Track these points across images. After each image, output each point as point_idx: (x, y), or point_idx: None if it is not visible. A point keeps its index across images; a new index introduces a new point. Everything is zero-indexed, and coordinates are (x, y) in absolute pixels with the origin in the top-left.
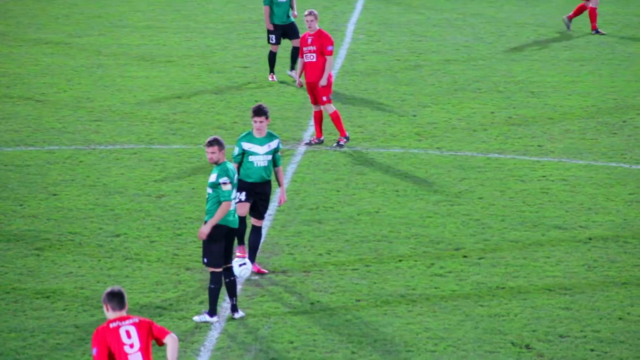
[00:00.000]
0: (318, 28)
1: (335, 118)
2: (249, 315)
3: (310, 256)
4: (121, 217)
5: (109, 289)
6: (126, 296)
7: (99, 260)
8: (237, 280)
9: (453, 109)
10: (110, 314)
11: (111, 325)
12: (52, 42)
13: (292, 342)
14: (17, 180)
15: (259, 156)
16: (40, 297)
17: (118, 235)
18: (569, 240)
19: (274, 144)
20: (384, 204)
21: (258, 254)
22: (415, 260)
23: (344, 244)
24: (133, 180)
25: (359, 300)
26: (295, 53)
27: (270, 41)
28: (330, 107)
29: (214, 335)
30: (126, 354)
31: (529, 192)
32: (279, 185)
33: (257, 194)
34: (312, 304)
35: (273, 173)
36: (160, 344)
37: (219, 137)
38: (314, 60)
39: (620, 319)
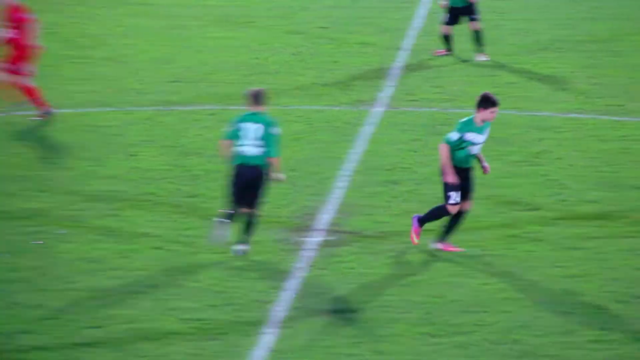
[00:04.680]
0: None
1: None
2: (325, 275)
3: (386, 217)
4: (199, 178)
5: None
6: None
7: (176, 221)
8: (213, 240)
9: (533, 69)
10: None
11: None
12: (133, 3)
13: (367, 302)
14: (97, 140)
15: (477, 145)
16: (118, 256)
17: (195, 196)
18: None
19: (487, 131)
20: None
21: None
22: (492, 221)
23: (420, 205)
24: (211, 141)
25: (434, 261)
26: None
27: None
28: None
29: (289, 295)
30: None
31: (608, 152)
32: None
33: (467, 179)
34: (387, 264)
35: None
36: None
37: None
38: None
39: None
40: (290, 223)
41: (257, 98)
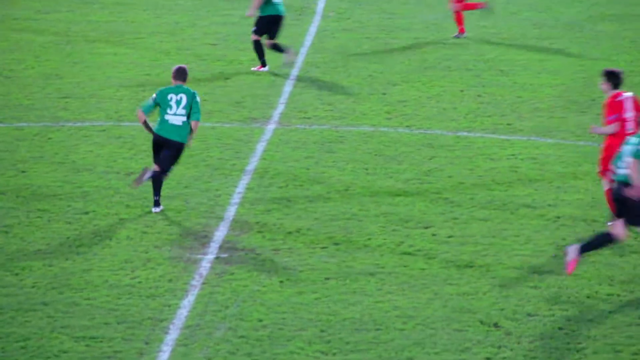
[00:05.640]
0: None
1: None
2: (218, 293)
3: (279, 234)
4: (90, 195)
5: None
6: None
7: (68, 238)
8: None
9: (423, 87)
10: None
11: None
12: (20, 18)
13: (261, 320)
14: None
15: None
16: (9, 274)
17: (87, 213)
18: (537, 218)
19: None
20: (353, 182)
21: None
22: (385, 239)
23: (314, 222)
24: (102, 158)
25: (328, 279)
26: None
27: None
28: None
29: (182, 313)
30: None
31: (498, 170)
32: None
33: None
34: (281, 282)
35: None
36: None
37: None
38: None
39: (588, 297)
40: (183, 240)
41: (178, 73)
